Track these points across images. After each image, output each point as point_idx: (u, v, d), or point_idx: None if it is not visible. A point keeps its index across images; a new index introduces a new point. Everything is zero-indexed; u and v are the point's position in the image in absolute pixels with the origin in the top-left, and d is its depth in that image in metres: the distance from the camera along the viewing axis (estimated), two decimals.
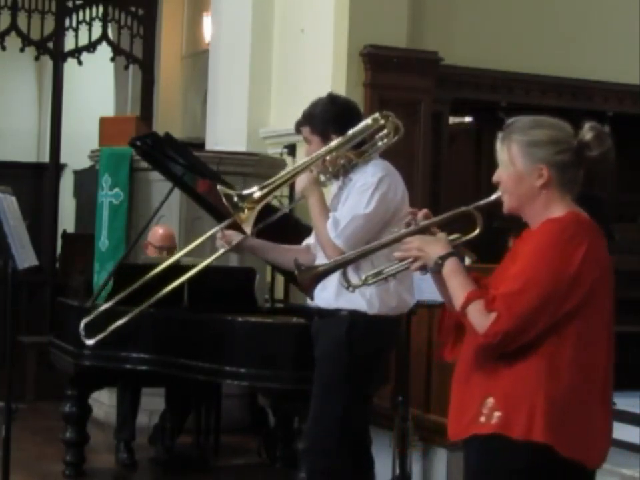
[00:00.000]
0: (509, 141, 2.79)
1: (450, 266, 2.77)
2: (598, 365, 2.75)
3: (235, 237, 4.20)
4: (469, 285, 2.75)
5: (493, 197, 2.85)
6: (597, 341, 2.74)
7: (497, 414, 2.68)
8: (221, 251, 4.23)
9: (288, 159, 7.60)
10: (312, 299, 3.09)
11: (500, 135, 2.84)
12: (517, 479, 2.69)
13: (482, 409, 2.70)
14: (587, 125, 2.81)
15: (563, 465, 2.65)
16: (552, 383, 2.65)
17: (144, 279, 4.42)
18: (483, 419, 2.70)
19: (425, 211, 2.93)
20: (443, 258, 2.78)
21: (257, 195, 3.83)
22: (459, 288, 2.75)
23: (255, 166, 7.38)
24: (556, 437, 2.63)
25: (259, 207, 3.86)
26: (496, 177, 2.84)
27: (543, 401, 2.63)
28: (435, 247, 2.81)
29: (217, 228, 4.32)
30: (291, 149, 7.58)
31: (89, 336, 4.45)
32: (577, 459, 2.67)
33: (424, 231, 2.87)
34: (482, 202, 2.89)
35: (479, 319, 2.66)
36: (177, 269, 4.59)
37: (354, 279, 3.08)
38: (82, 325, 4.43)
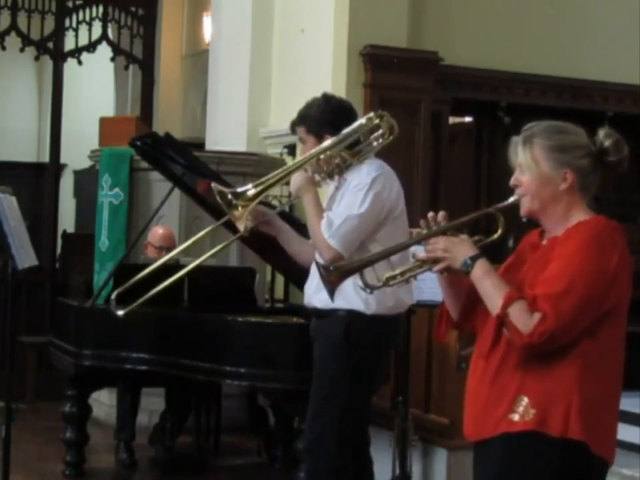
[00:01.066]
0: (532, 145, 2.82)
1: (481, 267, 2.78)
2: (619, 364, 2.83)
3: (268, 212, 4.20)
4: (504, 285, 2.75)
5: (511, 200, 2.87)
6: (620, 341, 2.82)
7: (533, 411, 2.70)
8: (261, 220, 4.16)
9: (288, 159, 7.59)
10: (332, 296, 3.06)
11: (519, 138, 2.87)
12: (552, 475, 2.72)
13: (514, 407, 2.72)
14: (604, 132, 2.88)
15: (593, 462, 2.73)
16: (586, 383, 2.70)
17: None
18: (516, 416, 2.72)
19: (443, 213, 2.91)
20: (474, 258, 2.78)
21: (251, 192, 3.83)
22: (493, 289, 2.75)
23: (255, 166, 7.38)
24: (590, 434, 2.70)
25: (252, 205, 3.86)
26: (514, 181, 2.86)
27: (578, 400, 2.68)
28: (461, 248, 2.81)
29: (211, 227, 4.31)
30: (291, 149, 7.58)
31: (119, 307, 4.41)
32: (604, 457, 2.76)
33: (444, 232, 2.86)
34: (500, 205, 2.90)
35: (523, 319, 2.66)
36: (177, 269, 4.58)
37: (371, 279, 3.00)
38: (114, 295, 4.38)
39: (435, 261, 2.83)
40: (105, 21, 9.93)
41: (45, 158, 11.11)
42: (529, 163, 2.82)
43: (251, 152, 7.75)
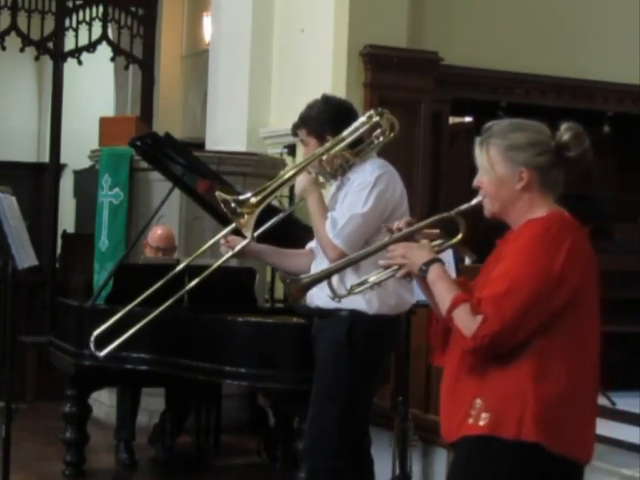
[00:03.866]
0: (488, 146, 2.82)
1: (434, 272, 2.79)
2: (586, 362, 2.74)
3: (238, 242, 4.20)
4: (455, 289, 2.76)
5: (474, 201, 2.87)
6: (585, 339, 2.74)
7: (485, 415, 2.68)
8: (226, 256, 4.21)
9: (288, 159, 7.60)
10: (297, 308, 3.12)
11: (478, 139, 2.86)
12: (509, 478, 2.69)
13: (470, 410, 2.71)
14: (564, 126, 2.83)
15: (552, 462, 2.66)
16: (541, 383, 2.65)
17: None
18: (471, 420, 2.70)
19: (407, 218, 2.99)
20: (427, 264, 2.80)
21: (253, 200, 3.83)
22: (444, 293, 2.76)
23: (255, 166, 7.38)
24: (545, 435, 2.64)
25: (258, 211, 3.86)
26: (476, 182, 2.86)
27: (532, 401, 2.64)
28: (419, 253, 2.83)
29: (220, 235, 4.30)
30: (291, 149, 7.58)
31: (99, 348, 4.42)
32: (567, 456, 2.69)
33: (408, 238, 2.90)
34: (463, 207, 2.91)
35: (466, 322, 2.66)
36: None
37: (340, 288, 3.10)
38: (92, 337, 4.40)
39: (399, 266, 2.86)
40: (105, 21, 9.92)
41: (45, 158, 11.11)
42: (486, 166, 2.82)
43: (251, 152, 7.74)
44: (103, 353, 4.34)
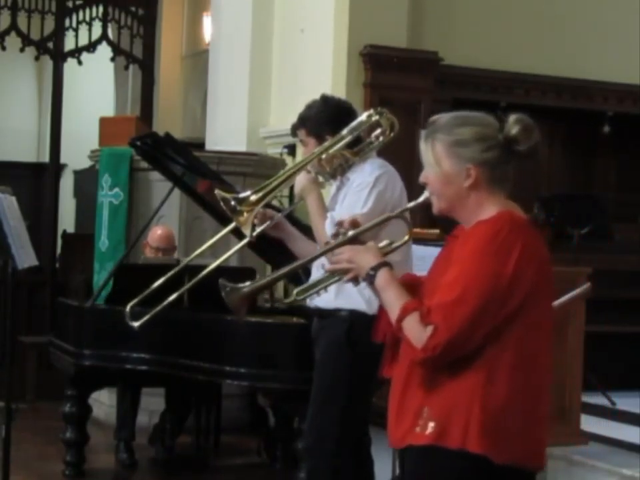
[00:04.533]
0: (433, 141, 2.68)
1: (382, 277, 2.69)
2: (538, 366, 2.65)
3: (275, 215, 4.17)
4: (403, 296, 2.65)
5: (421, 198, 2.77)
6: (537, 342, 2.63)
7: (432, 424, 2.58)
8: (263, 226, 4.12)
9: (288, 159, 7.60)
10: (241, 319, 3.05)
11: (422, 133, 2.73)
12: None
13: (418, 419, 2.61)
14: (512, 118, 2.67)
15: (499, 473, 2.57)
16: (489, 390, 2.55)
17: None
18: (418, 429, 2.61)
19: (351, 219, 2.89)
20: (375, 269, 2.69)
21: (253, 198, 3.83)
22: (393, 300, 2.66)
23: (255, 166, 7.38)
24: (491, 446, 2.55)
25: (257, 209, 3.86)
26: (422, 178, 2.74)
27: (478, 410, 2.54)
28: (365, 257, 2.73)
29: (219, 235, 4.29)
30: (291, 149, 7.58)
31: (134, 319, 4.42)
32: (515, 465, 2.59)
33: (353, 240, 2.80)
34: (410, 204, 2.85)
35: (416, 332, 2.55)
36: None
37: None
38: (128, 308, 4.42)
39: (346, 271, 2.76)
40: (105, 21, 9.93)
41: (45, 158, 11.11)
42: (431, 162, 2.69)
43: (251, 152, 7.75)
44: (138, 324, 4.36)
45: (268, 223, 4.06)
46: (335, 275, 2.84)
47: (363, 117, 4.04)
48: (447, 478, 2.61)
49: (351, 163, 4.15)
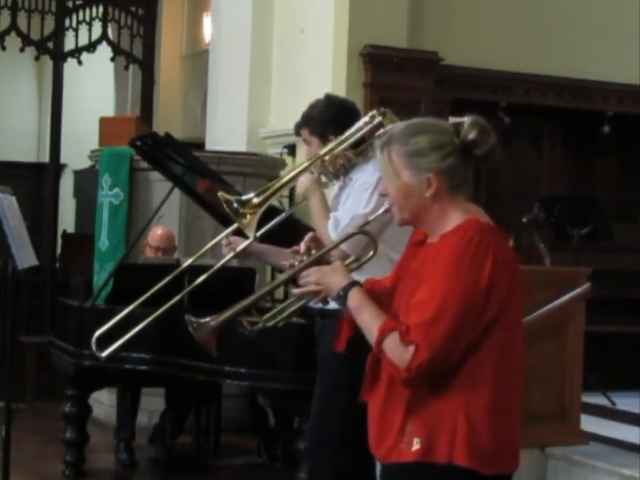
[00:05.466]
0: (390, 153, 2.64)
1: (354, 299, 2.64)
2: (514, 368, 2.62)
3: (240, 242, 4.19)
4: (380, 316, 2.59)
5: (381, 210, 2.75)
6: (515, 347, 2.61)
7: (417, 440, 2.55)
8: (228, 256, 4.19)
9: (288, 159, 7.60)
10: (214, 354, 3.04)
11: (378, 144, 2.70)
12: None
13: (402, 435, 2.58)
14: (468, 122, 2.64)
15: None
16: (473, 401, 2.53)
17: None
18: (403, 445, 2.57)
19: (311, 235, 2.86)
20: (345, 289, 2.65)
21: (256, 200, 3.83)
22: (369, 322, 2.60)
23: (255, 166, 7.38)
24: (478, 460, 2.52)
25: (260, 211, 3.86)
26: (383, 190, 2.71)
27: (463, 422, 2.51)
28: (333, 278, 2.68)
29: (223, 234, 4.29)
30: (291, 149, 7.58)
31: (101, 348, 4.41)
32: (501, 472, 2.60)
33: (319, 261, 2.75)
34: (371, 218, 2.83)
35: (397, 353, 2.51)
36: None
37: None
38: (94, 338, 4.39)
39: (315, 293, 2.70)
40: (105, 21, 9.93)
41: (45, 158, 11.11)
42: (390, 173, 2.65)
43: (251, 152, 7.75)
44: (104, 354, 4.33)
45: (232, 253, 4.10)
46: (303, 297, 2.77)
47: (366, 117, 4.05)
48: None
49: (354, 164, 4.15)
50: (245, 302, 2.87)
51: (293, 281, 2.90)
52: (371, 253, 2.83)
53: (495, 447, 2.55)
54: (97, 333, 4.35)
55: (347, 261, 2.78)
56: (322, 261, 2.77)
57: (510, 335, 2.59)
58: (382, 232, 4.09)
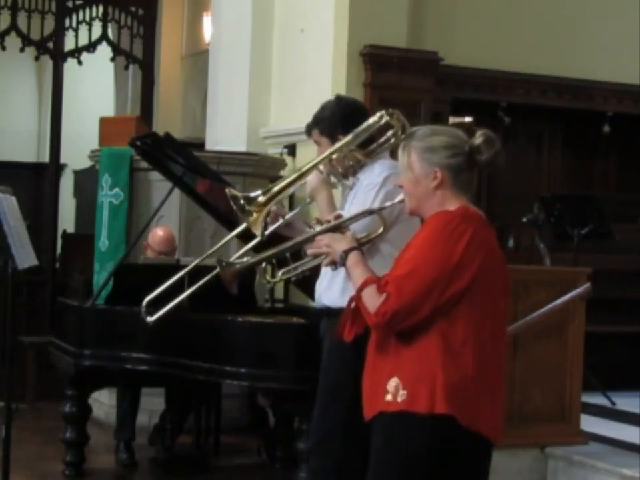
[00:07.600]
0: (409, 149, 3.09)
1: (352, 258, 3.13)
2: (494, 351, 2.97)
3: (288, 213, 4.19)
4: (368, 273, 3.06)
5: (397, 199, 3.23)
6: (485, 325, 2.95)
7: (403, 392, 2.92)
8: (278, 223, 4.14)
9: (288, 159, 7.60)
10: (234, 292, 3.45)
11: (402, 143, 3.15)
12: (422, 451, 2.89)
13: (387, 388, 2.94)
14: (479, 132, 3.08)
15: (464, 435, 2.88)
16: (448, 360, 2.88)
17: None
18: (389, 397, 2.94)
19: (336, 212, 3.41)
20: (347, 252, 3.13)
21: (262, 199, 3.83)
22: (358, 276, 3.07)
23: (255, 166, 7.38)
24: (456, 407, 2.86)
25: (267, 209, 3.86)
26: (398, 182, 3.17)
27: (442, 376, 2.87)
28: (341, 243, 3.18)
29: (231, 235, 4.30)
30: (291, 149, 7.58)
31: (150, 314, 4.42)
32: (478, 430, 2.91)
33: (335, 230, 3.27)
34: (387, 203, 3.37)
35: (371, 300, 2.95)
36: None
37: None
38: (144, 302, 4.41)
39: (325, 254, 3.21)
40: (105, 21, 9.94)
41: (45, 158, 11.11)
42: (405, 166, 3.10)
43: (251, 152, 7.75)
44: (152, 318, 4.37)
45: (280, 221, 4.10)
46: (315, 257, 3.31)
47: (374, 117, 4.05)
48: (421, 440, 2.90)
49: (362, 164, 4.16)
50: (269, 252, 3.46)
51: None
52: (381, 229, 3.34)
53: (472, 402, 2.90)
54: (148, 298, 4.41)
55: (359, 235, 3.28)
56: (338, 230, 3.28)
57: (480, 314, 2.94)
58: (387, 231, 4.09)
